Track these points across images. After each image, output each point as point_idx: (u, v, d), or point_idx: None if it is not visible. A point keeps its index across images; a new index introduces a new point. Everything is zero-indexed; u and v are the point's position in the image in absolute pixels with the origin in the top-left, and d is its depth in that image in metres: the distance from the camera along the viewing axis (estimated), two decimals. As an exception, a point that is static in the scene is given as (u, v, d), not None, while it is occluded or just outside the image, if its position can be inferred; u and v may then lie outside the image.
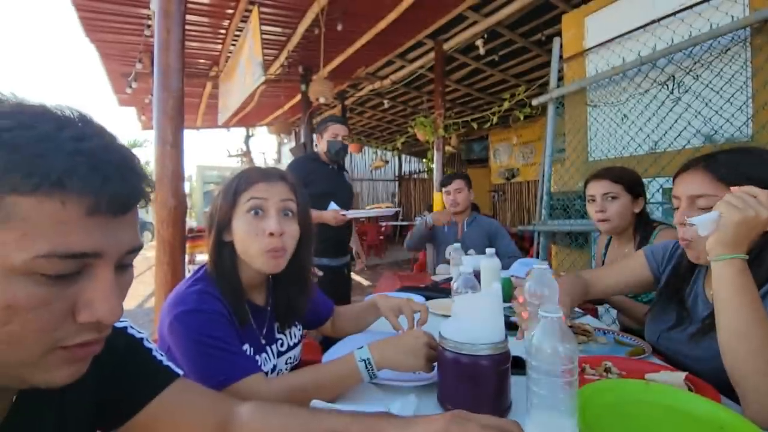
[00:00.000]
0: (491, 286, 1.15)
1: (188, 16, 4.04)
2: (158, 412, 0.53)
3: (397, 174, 11.81)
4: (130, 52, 5.07)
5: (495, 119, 4.26)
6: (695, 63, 2.06)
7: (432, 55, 5.17)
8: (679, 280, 0.99)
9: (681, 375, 0.74)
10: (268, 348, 0.89)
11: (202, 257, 5.33)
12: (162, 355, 0.57)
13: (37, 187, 0.31)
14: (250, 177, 0.84)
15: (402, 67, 5.88)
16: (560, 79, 2.75)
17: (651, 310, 1.08)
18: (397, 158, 11.70)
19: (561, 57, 2.72)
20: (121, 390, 0.51)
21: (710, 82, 1.98)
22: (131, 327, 0.55)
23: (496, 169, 8.65)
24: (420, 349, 0.75)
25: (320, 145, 2.17)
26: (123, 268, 0.39)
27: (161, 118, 1.25)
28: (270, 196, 0.82)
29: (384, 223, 8.85)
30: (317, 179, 2.08)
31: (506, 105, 4.05)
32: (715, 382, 0.74)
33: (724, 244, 0.69)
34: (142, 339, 0.56)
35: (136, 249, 0.39)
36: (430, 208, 6.61)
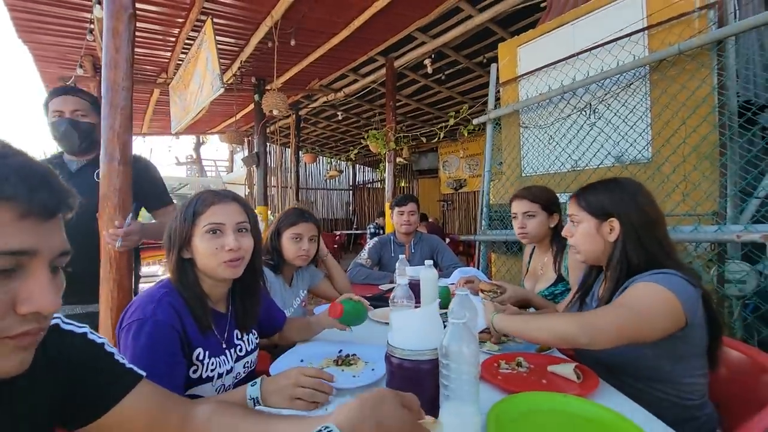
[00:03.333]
0: (429, 295, 1.29)
1: (137, 23, 3.95)
2: (125, 412, 0.58)
3: (351, 183, 11.92)
4: (68, 55, 4.82)
5: (441, 135, 4.51)
6: (606, 93, 2.38)
7: (383, 71, 5.38)
8: (587, 283, 1.20)
9: (572, 365, 0.92)
10: (227, 351, 0.97)
11: (147, 269, 5.08)
12: (123, 358, 0.62)
13: None
14: (206, 199, 0.94)
15: (355, 81, 6.03)
16: (497, 100, 3.01)
17: (564, 310, 1.28)
18: (351, 168, 11.82)
19: (497, 81, 2.98)
20: (86, 392, 0.56)
21: (618, 110, 2.30)
22: (91, 333, 0.60)
23: (445, 180, 9.04)
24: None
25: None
26: (55, 269, 0.45)
27: (109, 135, 1.27)
28: (226, 220, 0.93)
29: (339, 233, 8.90)
30: None
31: (451, 122, 4.31)
32: (597, 366, 0.95)
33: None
34: (103, 344, 0.60)
35: (67, 252, 0.46)
36: (382, 215, 6.76)
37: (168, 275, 0.96)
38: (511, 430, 0.72)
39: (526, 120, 2.80)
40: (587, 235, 1.10)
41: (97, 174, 1.44)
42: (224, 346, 0.97)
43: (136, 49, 4.77)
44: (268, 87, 5.73)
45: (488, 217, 2.94)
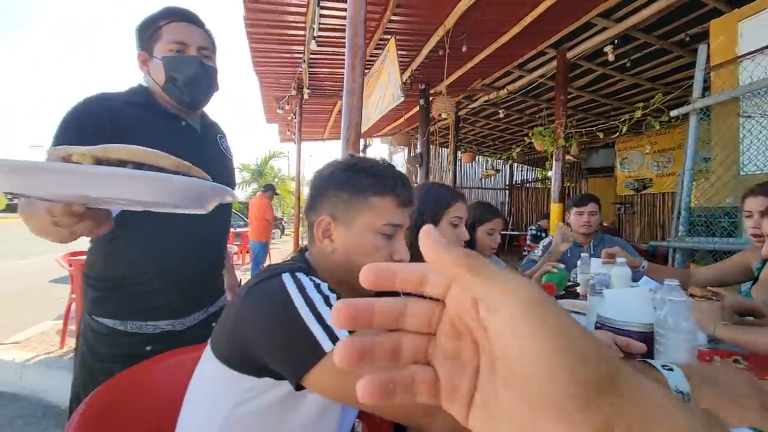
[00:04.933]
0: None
1: (325, 48, 4.79)
2: None
3: (507, 182, 11.55)
4: (281, 80, 6.10)
5: (624, 128, 4.04)
6: None
7: (554, 63, 5.09)
8: None
9: None
10: None
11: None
12: None
13: (384, 193, 0.71)
14: (453, 197, 1.24)
15: (520, 77, 5.87)
16: (705, 88, 2.58)
17: None
18: (508, 167, 11.44)
19: (707, 64, 2.55)
20: None
21: None
22: None
23: (623, 179, 7.90)
24: None
25: (152, 75, 1.04)
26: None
27: (346, 147, 1.67)
28: (463, 215, 1.25)
29: (493, 233, 8.78)
30: (141, 139, 0.79)
31: (638, 114, 3.82)
32: None
33: None
34: None
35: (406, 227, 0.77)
36: (546, 217, 6.40)
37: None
38: None
39: (749, 108, 2.33)
40: None
41: (223, 143, 1.18)
42: None
43: (321, 69, 5.83)
44: (432, 91, 6.10)
45: (687, 222, 2.56)
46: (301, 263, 0.71)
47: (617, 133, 4.15)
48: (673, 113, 2.75)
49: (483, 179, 10.67)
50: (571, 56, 4.84)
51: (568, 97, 5.62)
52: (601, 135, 4.43)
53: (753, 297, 1.53)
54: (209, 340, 0.66)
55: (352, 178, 0.71)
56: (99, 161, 0.37)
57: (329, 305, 0.57)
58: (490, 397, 0.18)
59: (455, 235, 1.19)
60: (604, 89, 6.17)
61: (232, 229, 9.06)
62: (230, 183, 1.18)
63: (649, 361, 0.44)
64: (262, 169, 29.03)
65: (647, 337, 0.86)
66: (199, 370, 0.66)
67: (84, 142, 0.72)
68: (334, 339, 0.53)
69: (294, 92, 6.19)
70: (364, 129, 5.96)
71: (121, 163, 0.43)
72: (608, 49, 4.38)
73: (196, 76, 1.02)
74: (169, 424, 0.66)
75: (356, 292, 0.74)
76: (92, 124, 0.92)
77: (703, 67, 2.57)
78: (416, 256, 1.12)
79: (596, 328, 0.91)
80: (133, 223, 0.92)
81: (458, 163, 8.99)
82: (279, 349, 0.55)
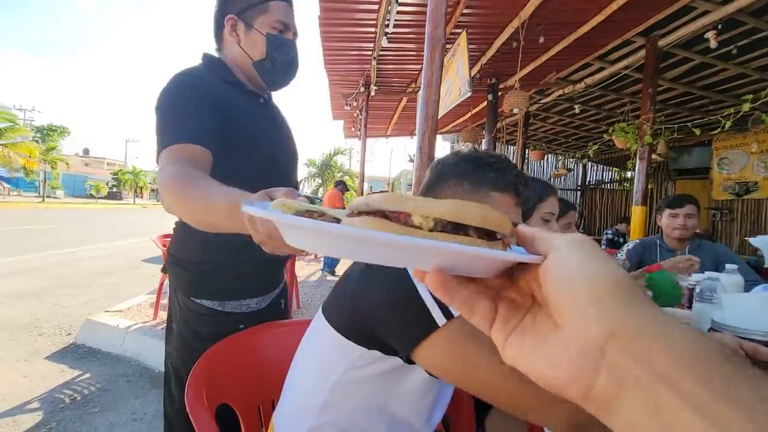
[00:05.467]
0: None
1: (393, 45, 4.81)
2: None
3: (580, 183, 10.82)
4: (349, 77, 6.26)
5: (728, 124, 3.59)
6: None
7: (642, 53, 4.65)
8: None
9: None
10: None
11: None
12: None
13: (505, 189, 0.71)
14: (545, 191, 1.20)
15: (600, 69, 5.45)
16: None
17: None
18: (581, 166, 10.72)
19: None
20: None
21: None
22: None
23: (719, 182, 7.02)
24: None
25: (244, 45, 1.01)
26: None
27: (421, 138, 1.68)
28: (555, 211, 1.20)
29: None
30: (239, 120, 0.97)
31: (746, 107, 3.37)
32: None
33: None
34: None
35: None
36: (625, 221, 5.91)
37: None
38: None
39: None
40: None
41: (280, 114, 1.14)
42: None
43: (385, 66, 5.88)
44: (502, 86, 5.88)
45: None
46: None
47: (717, 130, 3.70)
48: (795, 105, 2.38)
49: (553, 179, 10.10)
50: (663, 44, 4.39)
51: (658, 89, 5.11)
52: (697, 132, 3.97)
53: None
54: (321, 310, 0.70)
55: (477, 170, 0.71)
56: (436, 222, 0.24)
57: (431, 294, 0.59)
58: (527, 328, 0.25)
59: None
60: (701, 80, 5.51)
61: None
62: (297, 156, 1.18)
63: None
64: (328, 163, 30.08)
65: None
66: (311, 337, 0.71)
67: (201, 125, 0.83)
68: (448, 315, 0.55)
69: (362, 89, 6.32)
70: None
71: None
72: (710, 34, 3.90)
73: (293, 60, 1.03)
74: (272, 385, 0.71)
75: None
76: (205, 105, 0.89)
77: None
78: None
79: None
80: None
81: (527, 161, 8.60)
82: (396, 321, 0.58)
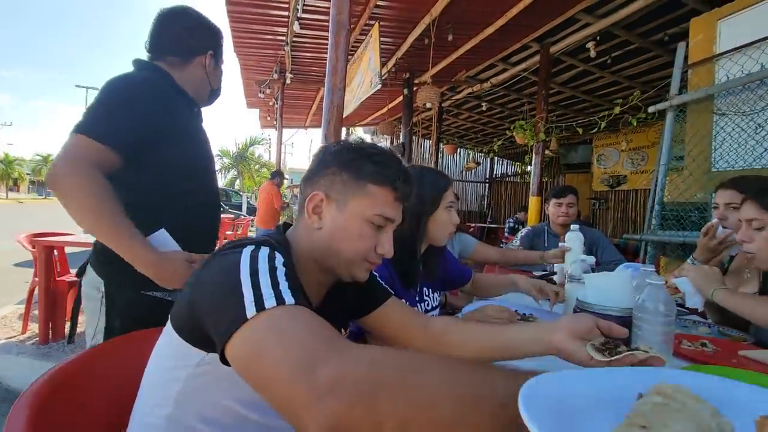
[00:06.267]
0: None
1: (309, 31, 4.67)
2: (383, 312, 0.82)
3: (487, 176, 11.68)
4: (263, 62, 5.93)
5: (603, 124, 4.12)
6: None
7: (537, 58, 5.13)
8: None
9: None
10: (418, 305, 1.18)
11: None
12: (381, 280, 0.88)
13: (383, 183, 0.69)
14: (447, 179, 1.23)
15: (504, 71, 5.89)
16: (682, 86, 2.64)
17: None
18: (488, 160, 11.57)
19: (685, 62, 2.61)
20: (365, 297, 0.83)
21: None
22: None
23: (598, 176, 8.11)
24: None
25: (210, 74, 1.23)
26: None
27: (327, 127, 1.62)
28: (455, 199, 1.24)
29: (473, 225, 8.89)
30: (182, 125, 1.13)
31: (617, 110, 3.90)
32: None
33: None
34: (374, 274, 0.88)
35: (399, 223, 0.75)
36: (524, 209, 6.51)
37: None
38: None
39: (723, 106, 2.40)
40: None
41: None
42: (417, 299, 1.18)
43: (304, 54, 5.71)
44: (416, 81, 6.06)
45: (660, 216, 2.63)
46: (274, 238, 0.68)
47: (595, 129, 4.23)
48: (651, 109, 2.81)
49: (464, 172, 10.75)
50: (554, 51, 4.89)
51: (550, 92, 5.69)
52: (580, 131, 4.51)
53: None
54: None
55: (357, 161, 0.69)
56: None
57: (273, 274, 0.51)
58: None
59: (450, 219, 1.18)
60: (584, 86, 6.27)
61: (230, 217, 8.82)
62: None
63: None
64: (243, 154, 28.34)
65: (626, 322, 0.87)
66: (160, 341, 0.63)
67: (132, 130, 0.97)
68: (260, 306, 0.46)
69: (276, 76, 6.03)
70: (344, 115, 5.91)
71: None
72: (590, 44, 4.43)
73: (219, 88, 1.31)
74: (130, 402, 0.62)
75: (327, 273, 0.72)
76: (147, 112, 1.02)
77: (681, 65, 2.63)
78: (409, 244, 1.05)
79: (575, 312, 0.91)
80: (176, 209, 1.10)
81: (441, 155, 9.02)
82: (211, 311, 0.51)
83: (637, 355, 0.57)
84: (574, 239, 1.63)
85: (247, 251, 0.55)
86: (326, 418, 0.35)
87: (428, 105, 4.31)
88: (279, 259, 0.56)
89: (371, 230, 0.69)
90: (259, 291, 0.48)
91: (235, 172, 28.77)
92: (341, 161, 0.69)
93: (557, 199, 2.35)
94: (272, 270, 0.52)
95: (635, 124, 3.80)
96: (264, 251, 0.56)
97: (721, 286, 1.02)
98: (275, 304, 0.46)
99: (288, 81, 6.06)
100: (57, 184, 0.89)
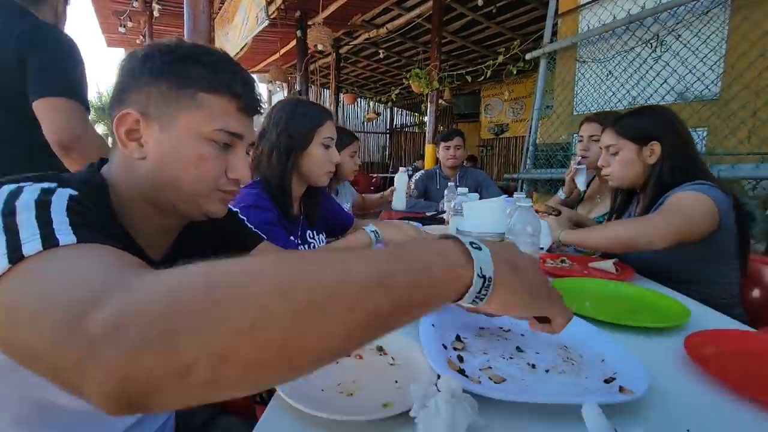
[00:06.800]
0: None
1: None
2: None
3: (388, 127, 11.80)
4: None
5: (489, 73, 4.35)
6: (678, 23, 2.22)
7: (430, 3, 5.11)
8: (620, 205, 1.31)
9: (611, 260, 1.05)
10: (301, 246, 1.14)
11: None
12: (249, 224, 0.80)
13: (217, 90, 0.55)
14: (325, 114, 1.12)
15: (399, 15, 5.79)
16: (554, 34, 2.87)
17: None
18: (388, 111, 11.64)
19: (557, 12, 2.82)
20: (230, 241, 0.74)
21: (689, 41, 2.16)
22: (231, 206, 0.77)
23: (486, 124, 8.76)
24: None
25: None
26: (246, 154, 0.63)
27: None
28: (335, 137, 1.13)
29: (375, 175, 9.03)
30: None
31: (500, 59, 4.13)
32: (640, 268, 1.09)
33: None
34: (237, 212, 0.79)
35: (253, 143, 0.62)
36: (421, 157, 6.79)
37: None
38: (563, 295, 0.84)
39: (584, 54, 2.68)
40: (628, 162, 1.16)
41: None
42: (299, 242, 1.13)
43: None
44: (310, 22, 5.64)
45: (534, 156, 2.94)
46: (79, 177, 0.52)
47: (482, 78, 4.46)
48: (528, 56, 3.03)
49: (366, 123, 10.68)
50: (445, -3, 4.91)
51: (443, 41, 5.79)
52: (469, 79, 4.71)
53: (579, 211, 1.84)
54: None
55: (176, 66, 0.53)
56: None
57: (44, 210, 0.36)
58: None
59: (327, 157, 1.10)
60: (474, 35, 6.51)
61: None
62: None
63: (456, 236, 0.40)
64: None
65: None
66: None
67: None
68: (16, 255, 0.32)
69: (138, 5, 5.05)
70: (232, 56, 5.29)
71: None
72: (478, -8, 4.54)
73: None
74: None
75: (168, 214, 0.58)
76: None
77: (553, 16, 2.83)
78: (283, 186, 0.95)
79: None
80: None
81: (341, 105, 8.76)
82: None
83: None
84: (398, 179, 1.97)
85: (3, 192, 0.38)
86: (107, 375, 0.24)
87: (320, 47, 4.06)
88: (62, 194, 0.40)
89: (215, 151, 0.56)
90: (14, 236, 0.33)
91: (104, 128, 24.57)
92: (156, 68, 0.53)
93: (445, 143, 2.46)
94: (42, 205, 0.37)
95: (515, 72, 4.09)
96: (33, 188, 0.39)
97: (565, 230, 1.19)
98: (40, 248, 0.32)
99: (156, 14, 5.14)
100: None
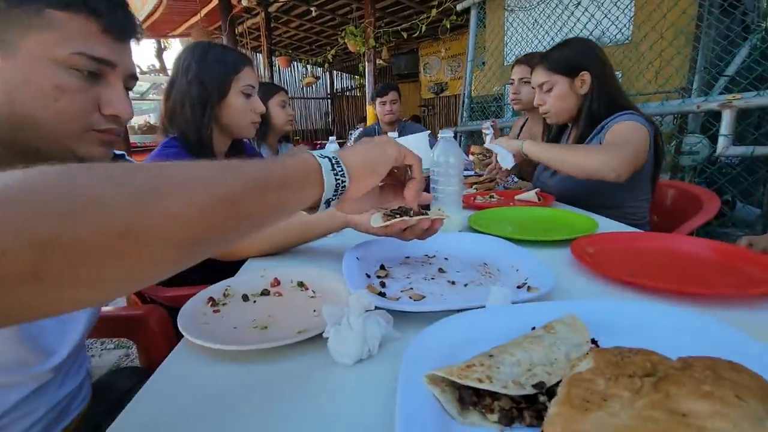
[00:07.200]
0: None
1: None
2: None
3: (329, 91, 11.42)
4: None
5: (423, 28, 4.29)
6: (594, -33, 2.29)
7: (360, -46, 4.87)
8: (554, 139, 1.36)
9: (534, 191, 1.10)
10: None
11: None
12: None
13: (67, 5, 0.46)
14: (241, 60, 1.02)
15: (328, -31, 5.46)
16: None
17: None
18: (328, 75, 11.21)
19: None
20: None
21: (604, -14, 2.24)
22: (127, 157, 0.70)
23: (426, 84, 8.74)
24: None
25: None
26: (127, 89, 0.55)
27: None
28: (256, 84, 1.04)
29: (319, 142, 8.80)
30: None
31: (434, 13, 4.07)
32: (561, 195, 1.17)
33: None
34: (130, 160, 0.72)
35: (135, 76, 0.56)
36: (363, 120, 6.69)
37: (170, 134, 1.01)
38: (488, 223, 0.89)
39: (512, 2, 2.71)
40: (562, 96, 1.19)
41: None
42: None
43: None
44: (231, -24, 5.17)
45: (469, 109, 2.99)
46: None
47: (417, 34, 4.39)
48: (459, 7, 3.01)
49: (305, 88, 10.24)
50: (374, -53, 4.68)
51: (376, -4, 5.57)
52: (404, 35, 4.62)
53: None
54: None
55: None
56: None
57: None
58: None
59: (249, 106, 1.03)
60: (407, -10, 6.32)
61: None
62: None
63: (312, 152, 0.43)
64: None
65: (426, 182, 0.95)
66: None
67: None
68: None
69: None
70: (142, 15, 4.73)
71: None
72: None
73: None
74: None
75: (31, 159, 0.49)
76: None
77: (481, -37, 2.81)
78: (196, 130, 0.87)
79: None
80: None
81: (276, 70, 8.29)
82: None
83: (407, 220, 0.56)
84: (328, 149, 1.94)
85: None
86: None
87: (245, 2, 3.75)
88: None
89: (78, 81, 0.48)
90: None
91: None
92: None
93: (381, 98, 2.43)
94: None
95: (449, 26, 4.06)
96: None
97: (527, 140, 1.18)
98: None
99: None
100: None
